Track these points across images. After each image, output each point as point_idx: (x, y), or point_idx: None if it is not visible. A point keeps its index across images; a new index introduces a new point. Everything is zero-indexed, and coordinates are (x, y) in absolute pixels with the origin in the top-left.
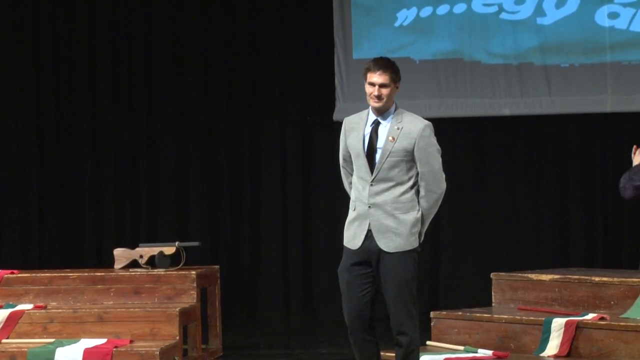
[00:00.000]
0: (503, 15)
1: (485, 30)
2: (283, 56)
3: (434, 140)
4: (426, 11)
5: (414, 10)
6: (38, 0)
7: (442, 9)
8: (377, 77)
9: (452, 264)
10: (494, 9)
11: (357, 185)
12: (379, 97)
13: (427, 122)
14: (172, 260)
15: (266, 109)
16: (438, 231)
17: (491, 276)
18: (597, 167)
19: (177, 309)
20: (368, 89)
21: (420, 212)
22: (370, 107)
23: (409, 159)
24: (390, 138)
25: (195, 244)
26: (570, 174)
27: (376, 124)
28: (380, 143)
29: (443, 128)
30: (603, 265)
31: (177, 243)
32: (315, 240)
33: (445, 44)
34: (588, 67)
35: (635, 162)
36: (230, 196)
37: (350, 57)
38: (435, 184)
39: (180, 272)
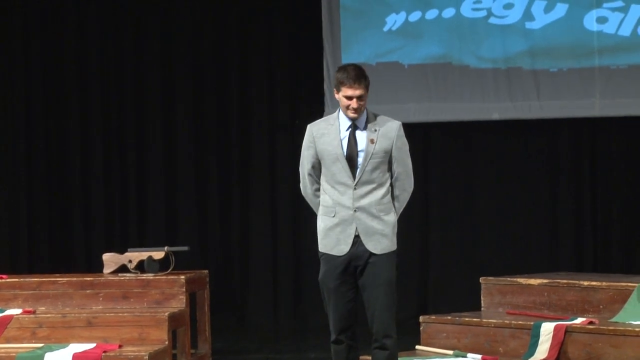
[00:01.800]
0: (492, 20)
1: (474, 35)
2: (272, 60)
3: (405, 139)
4: (415, 15)
5: (402, 14)
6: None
7: (431, 14)
8: (353, 91)
9: (441, 269)
10: (483, 13)
11: (332, 191)
12: (356, 110)
13: (397, 121)
14: (161, 265)
15: (255, 113)
16: (427, 235)
17: (480, 281)
18: (585, 171)
19: (166, 314)
20: (344, 101)
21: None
22: (339, 112)
23: (387, 159)
24: (370, 140)
25: (184, 248)
26: (559, 178)
27: (353, 128)
28: (360, 146)
29: (432, 133)
30: (592, 270)
31: (166, 248)
32: (305, 245)
33: (434, 48)
34: (576, 71)
35: None
36: (219, 200)
37: (339, 62)
38: (409, 182)
39: (169, 277)
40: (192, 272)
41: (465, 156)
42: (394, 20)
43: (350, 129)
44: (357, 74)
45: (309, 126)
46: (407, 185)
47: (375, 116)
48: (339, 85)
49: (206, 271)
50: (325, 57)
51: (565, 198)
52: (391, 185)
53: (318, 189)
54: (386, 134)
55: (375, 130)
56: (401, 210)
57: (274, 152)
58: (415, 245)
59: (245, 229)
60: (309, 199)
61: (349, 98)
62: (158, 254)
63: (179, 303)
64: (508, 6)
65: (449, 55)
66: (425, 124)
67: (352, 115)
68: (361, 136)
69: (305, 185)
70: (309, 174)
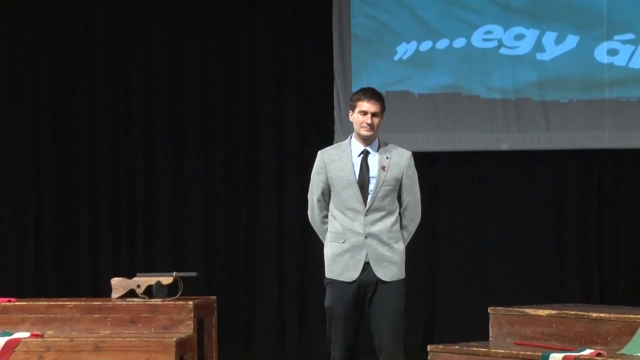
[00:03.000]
0: (502, 51)
1: (484, 65)
2: (282, 87)
3: (415, 169)
4: (426, 45)
5: (413, 44)
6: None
7: (442, 43)
8: (369, 106)
9: (448, 298)
10: (494, 44)
11: (342, 217)
12: (371, 126)
13: (408, 151)
14: (170, 291)
15: (264, 140)
16: (435, 264)
17: (488, 310)
18: (593, 203)
19: (174, 339)
20: (359, 117)
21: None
22: (350, 139)
23: (397, 188)
24: (381, 167)
25: (193, 274)
26: (567, 209)
27: (365, 154)
28: (372, 172)
29: (441, 162)
30: (600, 301)
31: (174, 273)
32: (312, 272)
33: (444, 78)
34: (586, 103)
35: None
36: (227, 227)
37: (349, 90)
38: (417, 213)
39: (177, 302)
40: (200, 297)
41: (474, 186)
42: (404, 50)
43: (362, 155)
44: (374, 92)
45: (319, 152)
46: (415, 216)
47: (387, 144)
48: (355, 103)
49: (214, 297)
50: (336, 85)
51: (572, 228)
52: (399, 214)
53: (326, 216)
54: (397, 162)
55: (387, 158)
56: (409, 240)
57: (281, 179)
58: (422, 273)
59: (253, 256)
60: (316, 226)
61: (364, 113)
62: (166, 279)
63: (187, 329)
64: (519, 37)
65: (458, 85)
66: (434, 152)
67: (365, 132)
68: (373, 162)
69: (314, 211)
70: (319, 200)
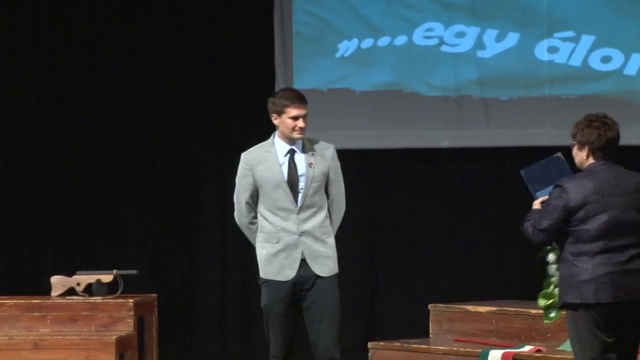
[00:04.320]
0: (443, 48)
1: (426, 63)
2: (224, 85)
3: (339, 161)
4: (367, 42)
5: (355, 41)
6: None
7: (383, 41)
8: (299, 110)
9: (389, 295)
10: (435, 41)
11: (274, 217)
12: (303, 129)
13: (331, 144)
14: (110, 289)
15: (206, 138)
16: (376, 261)
17: (429, 307)
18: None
19: (114, 337)
20: (289, 122)
21: None
22: (274, 138)
23: (324, 183)
24: (309, 164)
25: (133, 272)
26: (507, 206)
27: (291, 153)
28: (300, 171)
29: (382, 159)
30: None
31: (114, 271)
32: (254, 271)
33: (386, 75)
34: (527, 100)
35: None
36: (168, 225)
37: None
38: (343, 204)
39: (117, 300)
40: (141, 295)
41: (414, 183)
42: (346, 47)
43: (288, 154)
44: (299, 95)
45: (243, 154)
46: (341, 208)
47: (310, 140)
48: (282, 109)
49: (155, 295)
50: (277, 84)
51: (513, 225)
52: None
53: (255, 217)
54: (323, 157)
55: (313, 154)
56: (335, 231)
57: (224, 177)
58: (363, 269)
59: (194, 254)
60: (245, 228)
61: (296, 118)
62: (106, 277)
63: (127, 326)
64: (460, 35)
65: (399, 82)
66: (375, 150)
67: (298, 135)
68: (300, 160)
69: (242, 214)
70: (247, 203)
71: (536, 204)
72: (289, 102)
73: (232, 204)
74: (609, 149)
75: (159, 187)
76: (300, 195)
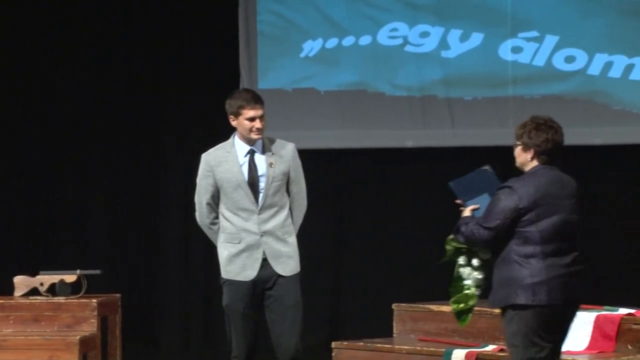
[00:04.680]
0: (408, 48)
1: (390, 63)
2: (187, 84)
3: (299, 160)
4: (332, 42)
5: (319, 41)
6: None
7: (348, 41)
8: (256, 111)
9: (353, 294)
10: (399, 41)
11: (235, 218)
12: (261, 130)
13: (291, 143)
14: (73, 289)
15: (170, 137)
16: (339, 260)
17: (392, 307)
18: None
19: (77, 338)
20: (247, 124)
21: None
22: (234, 139)
23: (285, 182)
24: (269, 164)
25: (97, 272)
26: None
27: (251, 153)
28: (260, 171)
29: (346, 159)
30: None
31: (78, 271)
32: (217, 270)
33: (350, 75)
34: (491, 100)
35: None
36: (131, 223)
37: (255, 87)
38: (304, 203)
39: (80, 300)
40: (104, 295)
41: (378, 183)
42: (310, 47)
43: (248, 155)
44: (255, 95)
45: (203, 155)
46: (303, 206)
47: (270, 140)
48: (238, 110)
49: (118, 295)
50: (242, 84)
51: None
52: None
53: (216, 217)
54: (283, 156)
55: (273, 154)
56: (297, 230)
57: (187, 177)
58: (327, 269)
59: (157, 254)
60: (206, 228)
61: (252, 119)
62: (70, 277)
63: (90, 327)
64: (424, 35)
65: (364, 82)
66: (339, 150)
67: (256, 136)
68: (260, 161)
69: (203, 214)
70: (208, 203)
71: (467, 212)
72: (245, 103)
73: (193, 202)
74: (554, 153)
75: (122, 186)
76: (261, 195)
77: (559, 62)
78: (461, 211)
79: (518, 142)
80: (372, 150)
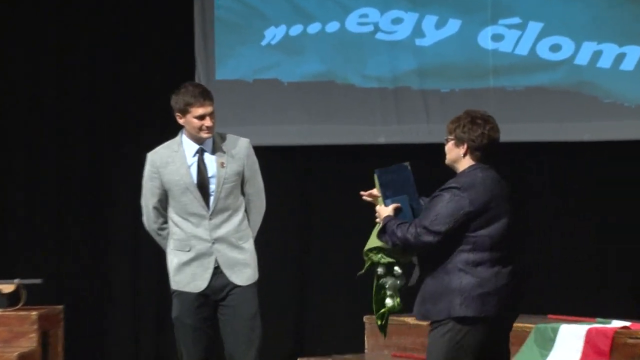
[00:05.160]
0: (379, 36)
1: (360, 52)
2: (139, 77)
3: (255, 157)
4: (296, 29)
5: (282, 28)
6: None
7: (314, 28)
8: (205, 109)
9: (320, 304)
10: (370, 28)
11: (185, 223)
12: (211, 127)
13: (246, 138)
14: (11, 300)
15: (118, 136)
16: (307, 270)
17: (364, 320)
18: None
19: (15, 354)
20: (196, 122)
21: None
22: (181, 137)
23: (239, 182)
24: (220, 164)
25: (37, 281)
26: None
27: (201, 153)
28: (211, 172)
29: (313, 157)
30: None
31: (16, 280)
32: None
33: (317, 65)
34: (469, 92)
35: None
36: (76, 228)
37: (212, 78)
38: (262, 204)
39: (19, 313)
40: (45, 307)
41: (348, 182)
42: (273, 34)
43: (197, 154)
44: (203, 90)
45: (149, 155)
46: (261, 207)
47: (221, 136)
48: (185, 108)
49: (61, 307)
50: (198, 73)
51: None
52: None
53: (165, 222)
54: (236, 154)
55: (225, 152)
56: (255, 234)
57: (139, 174)
58: (292, 279)
59: (104, 262)
60: (154, 234)
61: (202, 117)
62: (7, 287)
63: (30, 342)
64: (397, 21)
65: (332, 72)
66: (305, 147)
67: (206, 135)
68: (210, 161)
69: (150, 219)
70: (155, 207)
71: (388, 210)
72: (193, 100)
73: (142, 207)
74: (488, 150)
75: (66, 188)
76: (211, 198)
77: (543, 51)
78: (373, 205)
79: (450, 137)
80: (340, 147)
